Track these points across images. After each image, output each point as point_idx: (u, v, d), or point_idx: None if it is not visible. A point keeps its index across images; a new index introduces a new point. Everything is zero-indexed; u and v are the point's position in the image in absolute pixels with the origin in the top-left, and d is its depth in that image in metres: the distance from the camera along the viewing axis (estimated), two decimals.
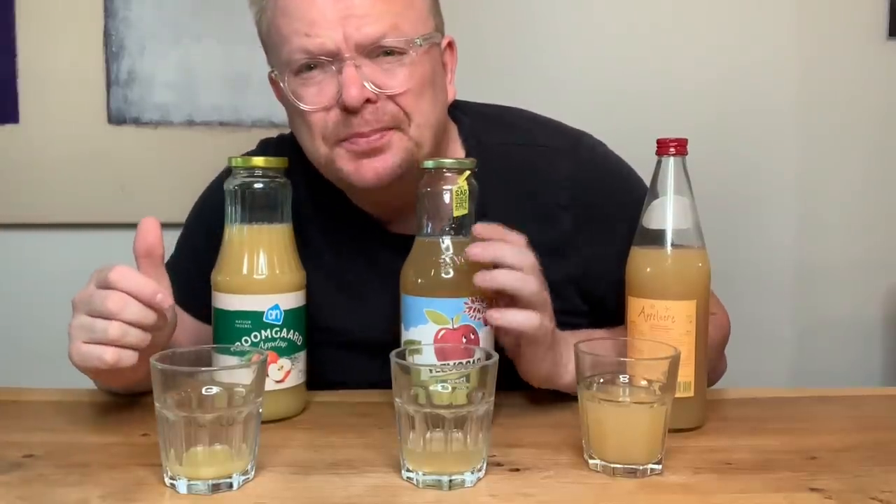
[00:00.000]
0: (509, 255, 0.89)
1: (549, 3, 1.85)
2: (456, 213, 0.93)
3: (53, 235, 1.84)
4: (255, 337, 0.94)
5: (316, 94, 0.99)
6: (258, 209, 0.97)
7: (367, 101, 0.97)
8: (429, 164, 0.94)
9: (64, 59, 1.78)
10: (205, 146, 1.79)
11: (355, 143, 0.99)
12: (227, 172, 1.02)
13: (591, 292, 1.12)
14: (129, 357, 0.86)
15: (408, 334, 0.92)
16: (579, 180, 1.10)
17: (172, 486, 0.77)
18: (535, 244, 0.97)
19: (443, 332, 0.90)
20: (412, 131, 1.01)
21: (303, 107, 1.00)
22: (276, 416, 0.96)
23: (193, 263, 1.11)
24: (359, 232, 1.12)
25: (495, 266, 0.89)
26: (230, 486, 0.77)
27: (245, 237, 0.97)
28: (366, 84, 0.97)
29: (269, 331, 0.94)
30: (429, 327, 0.90)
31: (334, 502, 0.75)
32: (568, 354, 0.97)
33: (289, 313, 0.96)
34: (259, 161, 0.97)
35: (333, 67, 0.98)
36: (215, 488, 0.76)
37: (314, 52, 0.97)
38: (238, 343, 0.93)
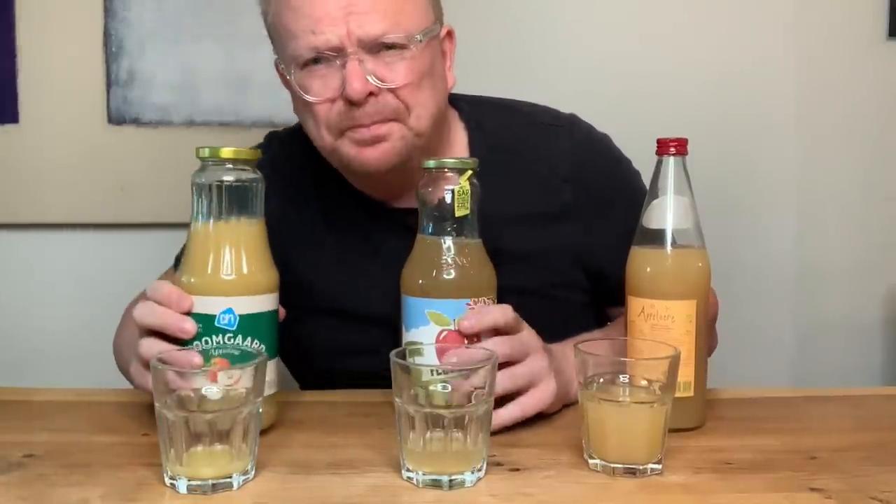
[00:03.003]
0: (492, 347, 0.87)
1: (549, 2, 1.85)
2: (457, 214, 0.92)
3: (53, 235, 1.84)
4: (207, 343, 0.86)
5: (321, 87, 1.03)
6: (222, 205, 0.89)
7: (370, 94, 1.01)
8: (430, 163, 0.94)
9: (64, 59, 1.78)
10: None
11: (358, 132, 1.03)
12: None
13: (590, 264, 1.15)
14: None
15: (409, 335, 0.92)
16: (578, 155, 1.15)
17: (172, 486, 0.77)
18: (535, 213, 1.05)
19: (444, 333, 0.90)
20: (412, 121, 1.04)
21: (308, 98, 1.04)
22: None
23: None
24: (360, 211, 1.15)
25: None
26: (230, 486, 0.77)
27: (201, 235, 0.90)
28: (368, 78, 1.00)
29: (220, 336, 0.87)
30: (430, 328, 0.90)
31: (334, 502, 0.75)
32: (570, 374, 0.97)
33: (246, 319, 0.87)
34: (229, 152, 0.89)
35: (338, 62, 1.01)
36: (215, 488, 0.76)
37: (320, 48, 1.01)
38: (190, 347, 0.86)
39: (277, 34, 1.07)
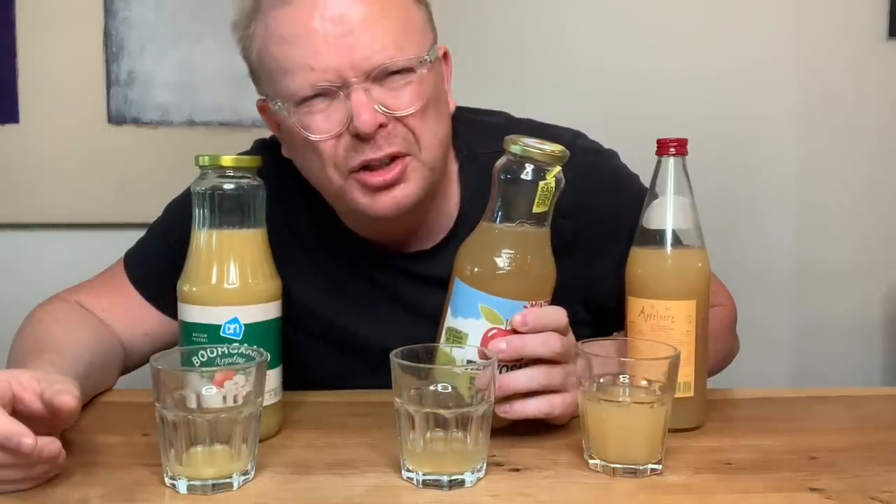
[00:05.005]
0: (532, 348, 0.86)
1: (550, 4, 1.85)
2: (536, 210, 0.86)
3: (53, 235, 1.84)
4: (212, 352, 0.84)
5: (323, 122, 0.96)
6: (225, 213, 0.89)
7: (380, 125, 0.94)
8: (515, 149, 0.86)
9: (64, 59, 1.78)
10: (205, 146, 1.78)
11: (369, 179, 0.96)
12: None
13: (592, 299, 1.11)
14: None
15: (454, 322, 0.87)
16: (577, 187, 1.05)
17: (172, 486, 0.77)
18: None
19: (494, 331, 0.86)
20: (423, 155, 0.98)
21: (312, 137, 0.96)
22: None
23: (167, 254, 1.08)
24: (361, 251, 1.09)
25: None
26: (230, 486, 0.77)
27: (203, 244, 0.89)
28: (376, 108, 0.94)
29: (226, 346, 0.85)
30: (480, 323, 0.86)
31: (334, 502, 0.75)
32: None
33: (251, 328, 0.87)
34: (229, 160, 0.89)
35: (341, 94, 0.94)
36: (215, 488, 0.76)
37: (320, 82, 0.94)
38: (196, 358, 0.84)
39: (265, 71, 0.99)
